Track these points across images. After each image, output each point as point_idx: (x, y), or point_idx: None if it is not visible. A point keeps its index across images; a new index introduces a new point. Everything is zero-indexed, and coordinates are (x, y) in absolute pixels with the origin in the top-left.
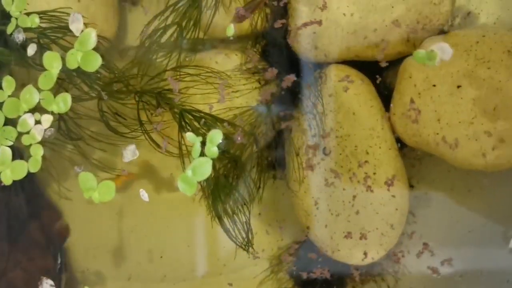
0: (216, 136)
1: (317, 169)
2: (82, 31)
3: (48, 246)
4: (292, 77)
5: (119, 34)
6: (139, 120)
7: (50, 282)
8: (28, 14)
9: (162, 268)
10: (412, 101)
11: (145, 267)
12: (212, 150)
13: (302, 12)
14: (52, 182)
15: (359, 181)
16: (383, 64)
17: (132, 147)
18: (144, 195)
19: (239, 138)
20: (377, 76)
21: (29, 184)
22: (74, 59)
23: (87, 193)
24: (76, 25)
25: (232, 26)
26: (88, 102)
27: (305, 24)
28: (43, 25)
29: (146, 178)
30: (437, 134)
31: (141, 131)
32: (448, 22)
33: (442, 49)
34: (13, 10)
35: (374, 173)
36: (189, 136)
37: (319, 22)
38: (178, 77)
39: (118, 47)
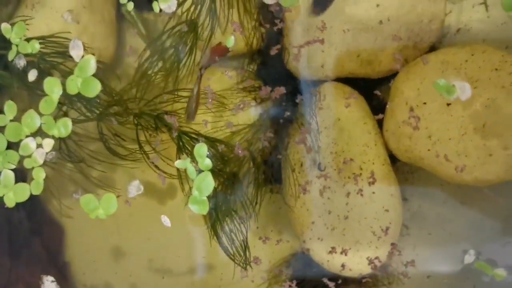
0: (201, 149)
1: (312, 185)
2: (83, 56)
3: (50, 260)
4: (281, 89)
5: (117, 53)
6: (138, 142)
7: (51, 278)
8: (28, 40)
9: (163, 280)
10: (411, 109)
11: (146, 279)
12: (205, 163)
13: (298, 33)
14: (52, 198)
15: (353, 196)
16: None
17: (136, 182)
18: (166, 221)
19: (239, 152)
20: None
21: (29, 200)
22: (74, 84)
23: (92, 214)
24: (76, 52)
25: (232, 37)
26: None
27: (308, 43)
28: (44, 49)
29: (146, 192)
30: (429, 150)
31: (140, 153)
32: (438, 40)
33: (462, 88)
34: (13, 37)
35: (368, 188)
36: (178, 163)
37: (322, 41)
38: (175, 98)
39: (116, 67)
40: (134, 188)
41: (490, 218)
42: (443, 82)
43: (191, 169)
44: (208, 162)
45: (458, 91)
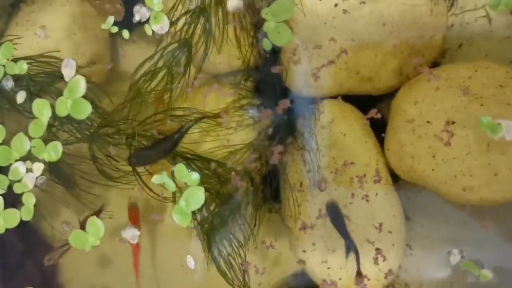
0: (180, 170)
1: (312, 205)
2: (74, 76)
3: (44, 282)
4: (286, 102)
5: (109, 71)
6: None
7: None
8: (16, 60)
9: None
10: (448, 123)
11: None
12: (193, 178)
13: (300, 55)
14: (44, 220)
15: (354, 216)
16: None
17: (136, 232)
18: (190, 262)
19: (238, 183)
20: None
21: (22, 222)
22: (64, 106)
23: (87, 247)
24: (68, 71)
25: None
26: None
27: (326, 64)
28: (33, 68)
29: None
30: (433, 170)
31: (133, 175)
32: (440, 55)
33: (509, 128)
34: (0, 58)
35: (370, 209)
36: (156, 179)
37: (342, 60)
38: (168, 118)
39: (108, 86)
40: (129, 235)
41: (495, 237)
42: (487, 119)
43: (169, 182)
44: (195, 176)
45: (504, 129)
